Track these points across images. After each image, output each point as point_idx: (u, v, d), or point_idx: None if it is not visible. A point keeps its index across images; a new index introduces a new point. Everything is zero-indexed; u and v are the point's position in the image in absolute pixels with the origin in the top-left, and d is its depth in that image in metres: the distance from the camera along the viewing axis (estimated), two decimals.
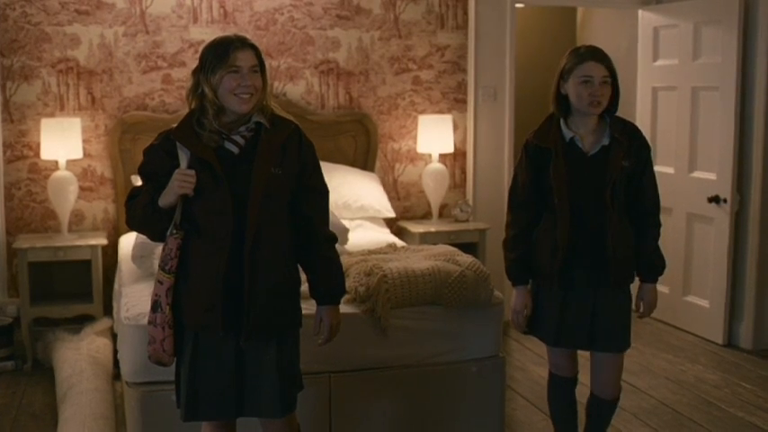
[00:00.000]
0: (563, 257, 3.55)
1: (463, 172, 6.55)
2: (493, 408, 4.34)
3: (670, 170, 6.44)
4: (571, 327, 3.64)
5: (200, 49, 3.14)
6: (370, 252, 4.66)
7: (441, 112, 6.43)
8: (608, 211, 3.52)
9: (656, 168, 6.60)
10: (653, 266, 3.73)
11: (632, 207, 3.63)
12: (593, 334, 3.63)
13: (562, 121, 3.60)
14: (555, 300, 3.64)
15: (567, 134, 3.58)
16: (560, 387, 3.84)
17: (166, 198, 3.02)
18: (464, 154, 6.53)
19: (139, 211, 3.09)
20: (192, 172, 2.98)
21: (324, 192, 3.24)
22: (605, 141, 3.56)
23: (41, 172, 5.77)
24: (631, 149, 3.57)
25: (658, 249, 3.72)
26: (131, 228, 3.23)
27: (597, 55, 3.55)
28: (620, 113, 3.66)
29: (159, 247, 3.26)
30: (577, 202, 3.54)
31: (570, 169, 3.55)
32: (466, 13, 6.44)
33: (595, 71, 3.51)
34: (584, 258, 3.57)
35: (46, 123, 5.59)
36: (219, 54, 3.02)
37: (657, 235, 3.70)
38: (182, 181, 2.98)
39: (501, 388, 4.37)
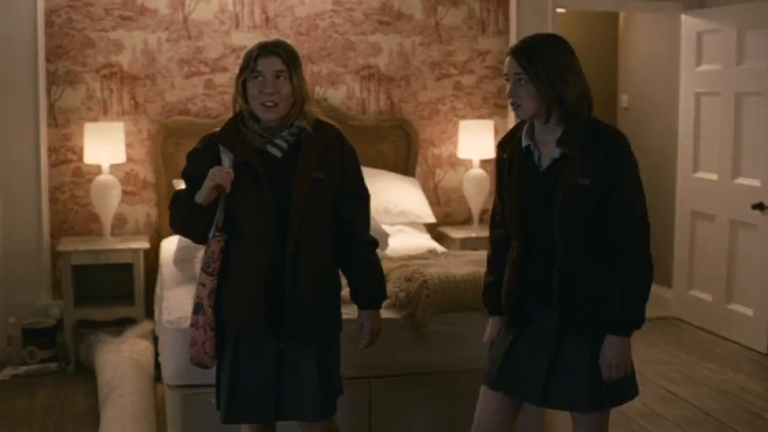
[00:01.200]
0: (515, 289, 3.03)
1: None
2: (532, 414, 4.30)
3: (713, 177, 6.38)
4: (521, 372, 3.03)
5: (243, 54, 3.17)
6: (411, 257, 4.66)
7: (481, 117, 6.41)
8: (556, 239, 2.90)
9: (700, 175, 6.61)
10: (619, 316, 2.90)
11: (604, 237, 2.92)
12: (547, 387, 2.98)
13: (528, 125, 3.01)
14: (507, 336, 3.09)
15: (525, 141, 2.99)
16: None
17: (201, 194, 3.03)
18: None
19: (180, 211, 3.12)
20: (229, 168, 3.01)
21: (365, 197, 3.25)
22: (556, 154, 2.93)
23: (85, 176, 5.83)
24: (595, 164, 2.86)
25: (632, 296, 2.90)
26: (174, 230, 3.26)
27: (515, 48, 2.94)
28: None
29: (201, 251, 3.28)
30: (529, 225, 2.98)
31: (522, 185, 2.99)
32: (507, 18, 6.43)
33: (509, 67, 2.94)
34: (539, 293, 2.98)
35: (89, 128, 5.65)
36: (245, 60, 3.06)
37: (633, 276, 2.90)
38: (216, 174, 2.99)
39: None
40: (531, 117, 2.95)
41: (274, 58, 3.02)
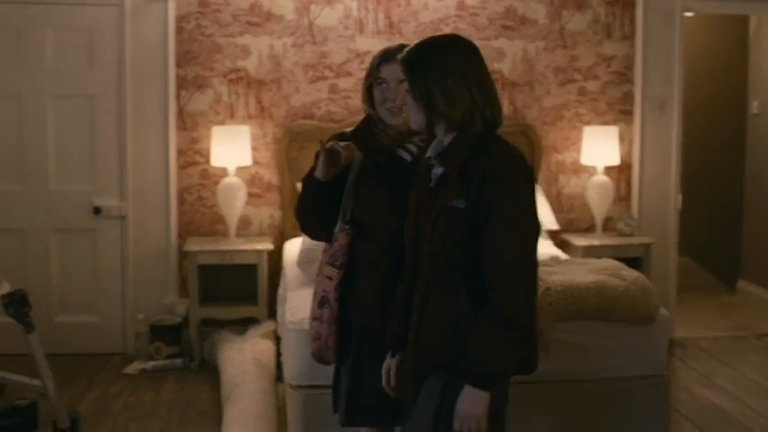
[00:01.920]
0: (397, 315, 2.76)
1: (628, 185, 6.40)
2: (656, 429, 4.22)
3: None
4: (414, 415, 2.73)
5: (366, 59, 3.20)
6: None
7: (606, 123, 6.31)
8: (423, 264, 2.58)
9: None
10: (478, 367, 2.48)
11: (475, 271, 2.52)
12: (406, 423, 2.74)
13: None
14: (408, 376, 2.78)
15: (430, 151, 2.68)
16: None
17: (319, 166, 3.01)
18: (629, 166, 6.38)
19: (304, 192, 3.12)
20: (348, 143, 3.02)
21: None
22: (438, 170, 2.62)
23: (211, 178, 5.97)
24: (472, 185, 2.50)
25: (495, 346, 2.46)
26: (300, 221, 3.22)
27: (404, 53, 2.74)
28: None
29: None
30: (415, 245, 2.66)
31: (415, 200, 2.70)
32: (633, 22, 6.31)
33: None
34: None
35: (217, 131, 5.79)
36: (371, 66, 3.10)
37: (497, 324, 2.45)
38: (332, 144, 2.99)
39: (665, 408, 4.24)
40: (421, 128, 2.68)
41: (397, 65, 3.05)
